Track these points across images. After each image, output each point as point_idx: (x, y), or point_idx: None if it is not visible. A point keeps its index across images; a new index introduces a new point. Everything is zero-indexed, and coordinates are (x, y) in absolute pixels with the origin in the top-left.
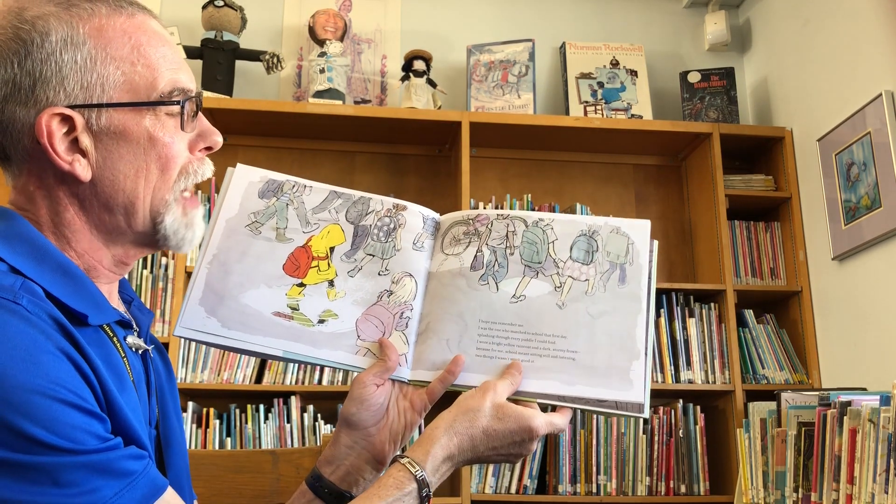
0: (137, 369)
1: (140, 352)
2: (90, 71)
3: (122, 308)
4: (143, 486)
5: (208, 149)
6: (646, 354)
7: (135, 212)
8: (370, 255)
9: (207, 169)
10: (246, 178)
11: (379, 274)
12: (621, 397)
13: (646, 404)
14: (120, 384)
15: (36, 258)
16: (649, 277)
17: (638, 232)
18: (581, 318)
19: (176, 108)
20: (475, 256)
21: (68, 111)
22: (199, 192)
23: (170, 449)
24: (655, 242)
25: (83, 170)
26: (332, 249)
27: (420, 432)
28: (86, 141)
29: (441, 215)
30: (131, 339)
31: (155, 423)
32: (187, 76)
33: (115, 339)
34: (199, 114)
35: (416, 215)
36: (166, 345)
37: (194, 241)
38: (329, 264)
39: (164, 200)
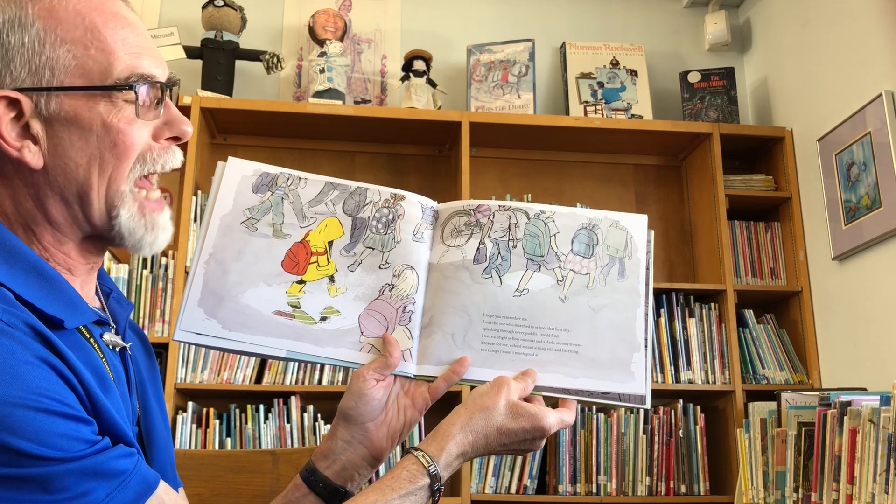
0: (116, 367)
1: (118, 349)
2: (38, 53)
3: (97, 303)
4: (135, 484)
5: (176, 139)
6: (646, 347)
7: (89, 202)
8: (370, 248)
9: (172, 159)
10: (239, 172)
11: (379, 267)
12: (624, 389)
13: (647, 395)
14: (102, 385)
15: (7, 259)
16: (647, 271)
17: (636, 226)
18: (583, 312)
19: (133, 95)
20: (478, 249)
21: (14, 94)
22: (167, 196)
23: (152, 444)
24: (652, 233)
25: (33, 157)
26: (330, 244)
27: (420, 430)
28: (37, 127)
29: (439, 204)
30: (108, 337)
31: (136, 419)
32: (151, 61)
33: (91, 339)
34: (168, 101)
35: (415, 205)
36: (165, 345)
37: (156, 244)
38: (328, 259)
39: (120, 192)
